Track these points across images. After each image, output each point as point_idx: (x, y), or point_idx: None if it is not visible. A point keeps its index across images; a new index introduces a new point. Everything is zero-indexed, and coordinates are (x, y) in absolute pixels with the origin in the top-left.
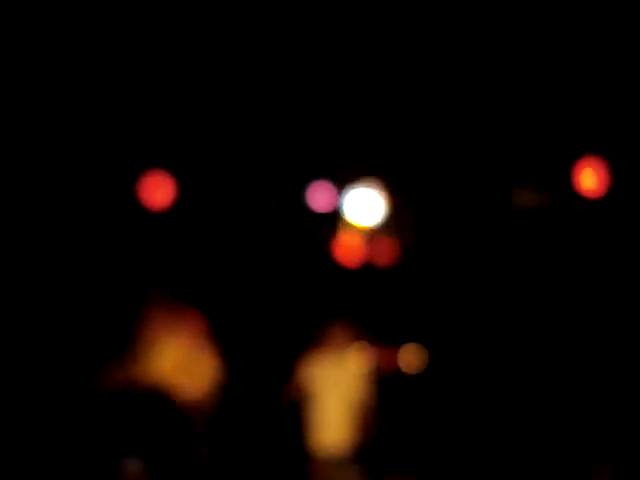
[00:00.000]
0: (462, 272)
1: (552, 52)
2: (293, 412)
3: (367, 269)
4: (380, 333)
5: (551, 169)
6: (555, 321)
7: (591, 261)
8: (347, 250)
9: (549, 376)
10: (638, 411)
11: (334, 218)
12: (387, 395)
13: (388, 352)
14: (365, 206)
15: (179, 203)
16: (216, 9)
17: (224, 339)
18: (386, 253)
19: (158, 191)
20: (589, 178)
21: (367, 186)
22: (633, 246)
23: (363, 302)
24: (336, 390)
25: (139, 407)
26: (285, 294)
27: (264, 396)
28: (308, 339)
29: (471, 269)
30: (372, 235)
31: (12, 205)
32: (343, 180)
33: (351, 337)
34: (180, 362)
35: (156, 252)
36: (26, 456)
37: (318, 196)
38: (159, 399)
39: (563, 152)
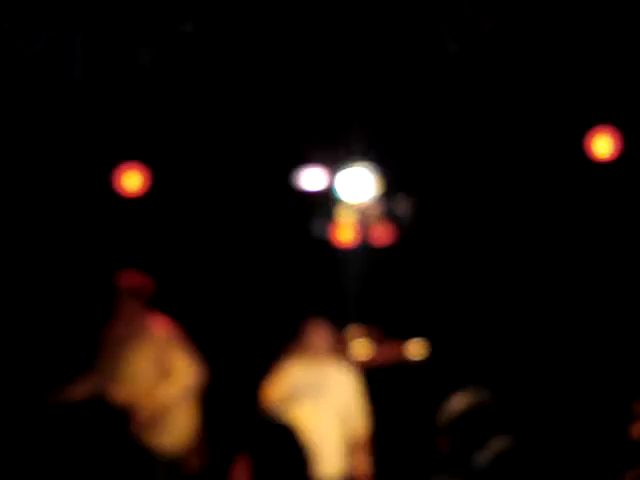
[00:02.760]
0: (465, 255)
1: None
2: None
3: (363, 250)
4: (382, 325)
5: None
6: (569, 307)
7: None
8: (342, 231)
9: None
10: None
11: (326, 198)
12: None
13: (391, 346)
14: (358, 183)
15: (152, 188)
16: None
17: (203, 342)
18: (383, 233)
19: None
20: (603, 144)
21: (360, 164)
22: None
23: (359, 288)
24: (324, 406)
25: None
26: (275, 287)
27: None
28: (292, 340)
29: (475, 252)
30: (367, 214)
31: None
32: (334, 160)
33: (343, 338)
34: (152, 370)
35: (125, 242)
36: None
37: (308, 175)
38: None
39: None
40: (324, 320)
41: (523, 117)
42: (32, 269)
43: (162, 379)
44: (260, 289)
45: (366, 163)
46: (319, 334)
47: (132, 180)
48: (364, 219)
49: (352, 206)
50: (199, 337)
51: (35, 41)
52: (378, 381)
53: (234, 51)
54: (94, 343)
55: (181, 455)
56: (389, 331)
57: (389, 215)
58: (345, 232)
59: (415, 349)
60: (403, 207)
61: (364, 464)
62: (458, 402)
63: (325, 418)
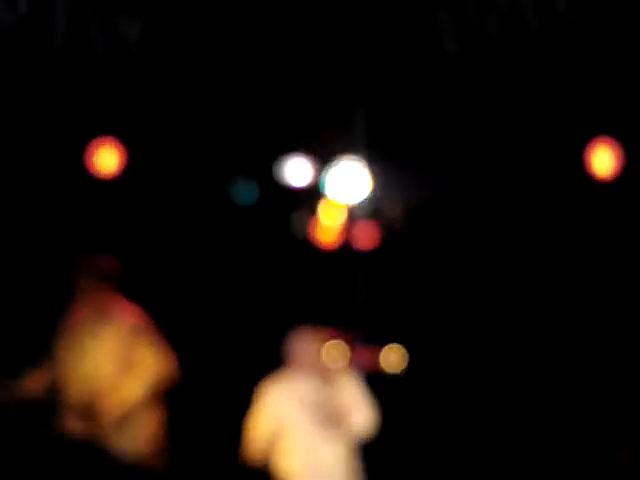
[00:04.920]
0: (454, 260)
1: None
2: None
3: (345, 252)
4: (358, 330)
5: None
6: (560, 320)
7: (602, 252)
8: (324, 231)
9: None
10: None
11: (311, 194)
12: None
13: (368, 352)
14: (348, 181)
15: (126, 171)
16: None
17: (171, 332)
18: (367, 235)
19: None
20: (602, 159)
21: (351, 159)
22: None
23: (339, 291)
24: (321, 429)
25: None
26: (249, 280)
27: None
28: (276, 346)
29: (464, 258)
30: (353, 215)
31: None
32: (323, 153)
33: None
34: (114, 363)
35: (92, 226)
36: None
37: (294, 169)
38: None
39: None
40: (313, 328)
41: (521, 125)
42: None
43: (126, 374)
44: (237, 282)
45: (357, 158)
46: (309, 345)
47: (107, 159)
48: (350, 219)
49: (338, 205)
50: (169, 330)
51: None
52: None
53: (223, 28)
54: (52, 329)
55: (144, 457)
56: (368, 338)
57: (376, 216)
58: (328, 232)
59: (392, 358)
60: (393, 208)
61: None
62: None
63: (333, 448)
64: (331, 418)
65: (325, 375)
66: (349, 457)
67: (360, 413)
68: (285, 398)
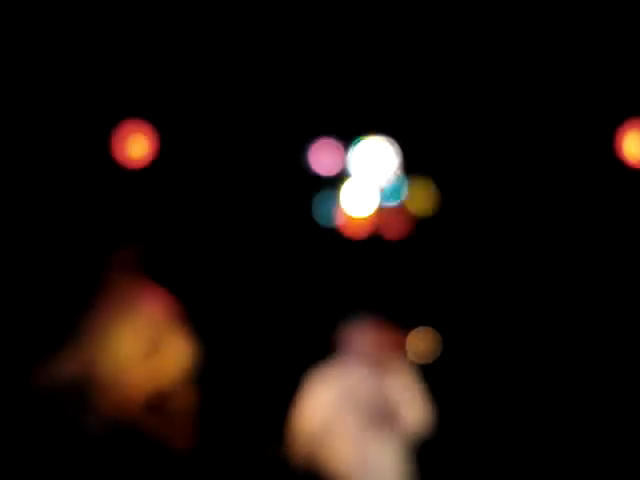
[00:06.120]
0: (485, 248)
1: None
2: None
3: (374, 242)
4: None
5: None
6: (589, 311)
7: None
8: (352, 220)
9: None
10: None
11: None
12: None
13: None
14: (375, 167)
15: (154, 160)
16: None
17: (200, 322)
18: (397, 224)
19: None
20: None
21: (377, 143)
22: None
23: (369, 281)
24: (371, 425)
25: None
26: (279, 270)
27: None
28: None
29: (496, 246)
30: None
31: None
32: (348, 137)
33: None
34: (142, 349)
35: (121, 214)
36: None
37: (321, 156)
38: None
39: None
40: (369, 318)
41: (546, 110)
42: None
43: (156, 359)
44: (278, 272)
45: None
46: (363, 335)
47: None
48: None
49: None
50: (198, 320)
51: None
52: None
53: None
54: (82, 318)
55: (175, 441)
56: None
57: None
58: (357, 222)
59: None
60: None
61: None
62: None
63: (385, 449)
64: (382, 414)
65: (378, 367)
66: (400, 456)
67: (413, 409)
68: (334, 390)
